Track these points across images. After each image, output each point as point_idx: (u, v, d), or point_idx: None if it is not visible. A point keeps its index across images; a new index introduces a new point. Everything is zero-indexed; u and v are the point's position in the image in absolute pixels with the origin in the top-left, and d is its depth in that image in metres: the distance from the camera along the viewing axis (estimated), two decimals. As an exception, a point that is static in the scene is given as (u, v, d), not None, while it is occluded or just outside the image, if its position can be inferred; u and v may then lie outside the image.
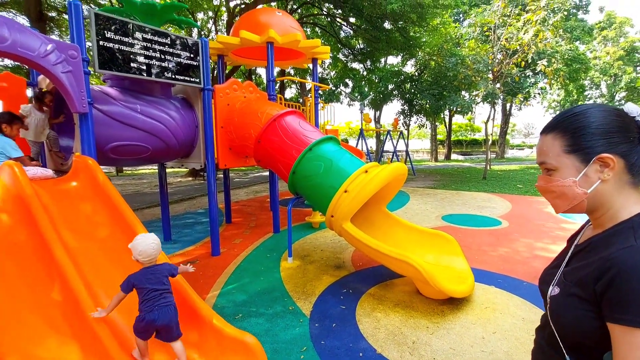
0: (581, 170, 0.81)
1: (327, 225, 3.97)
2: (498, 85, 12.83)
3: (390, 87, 20.04)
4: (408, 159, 16.77)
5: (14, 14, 13.89)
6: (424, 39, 16.29)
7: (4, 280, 2.16)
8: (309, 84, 21.31)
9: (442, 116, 27.41)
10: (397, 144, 15.61)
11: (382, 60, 23.25)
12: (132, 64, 3.79)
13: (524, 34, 11.51)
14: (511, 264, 4.40)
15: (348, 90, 22.65)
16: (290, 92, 24.22)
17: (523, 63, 12.35)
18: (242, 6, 15.33)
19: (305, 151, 4.05)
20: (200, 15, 18.04)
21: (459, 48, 16.20)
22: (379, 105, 23.02)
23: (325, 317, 3.17)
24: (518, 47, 11.82)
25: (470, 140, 45.33)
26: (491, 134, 14.01)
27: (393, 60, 29.64)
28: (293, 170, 4.10)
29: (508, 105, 26.10)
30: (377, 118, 25.36)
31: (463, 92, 16.88)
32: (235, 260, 4.70)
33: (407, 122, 20.83)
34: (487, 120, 14.39)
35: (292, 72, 18.62)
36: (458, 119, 42.89)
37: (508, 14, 12.25)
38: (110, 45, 3.59)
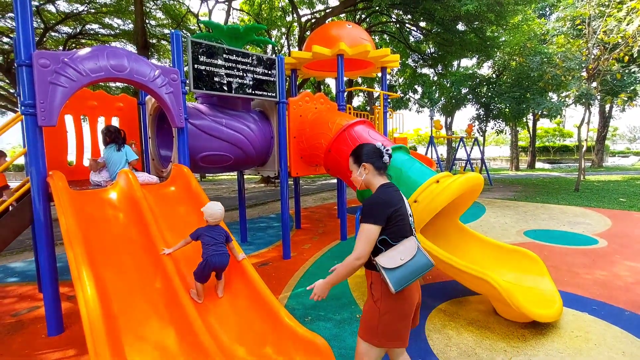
0: (356, 170, 1.88)
1: (396, 235, 3.92)
2: (594, 84, 11.28)
3: (463, 91, 18.93)
4: (484, 167, 15.60)
5: (124, 43, 16.45)
6: (503, 39, 15.10)
7: (122, 270, 2.59)
8: (377, 92, 21.18)
9: (525, 120, 24.93)
10: (471, 152, 14.65)
11: (455, 63, 22.14)
12: (219, 83, 4.26)
13: (627, 25, 9.99)
14: (610, 290, 3.84)
15: (417, 96, 22.00)
16: (357, 101, 24.39)
17: (626, 58, 10.71)
18: (313, 20, 16.00)
19: (374, 160, 4.08)
20: (274, 32, 19.28)
21: (544, 45, 14.67)
22: (451, 111, 21.87)
23: (393, 328, 3.13)
24: (620, 40, 10.29)
25: (559, 146, 40.21)
26: (585, 140, 12.29)
27: (467, 62, 28.01)
28: (362, 179, 4.15)
29: (607, 106, 22.69)
30: (449, 124, 24.10)
31: (550, 94, 15.17)
32: (305, 265, 4.90)
33: (483, 127, 19.35)
34: (581, 124, 12.72)
35: (359, 80, 18.75)
36: (544, 123, 38.56)
37: (606, 3, 10.76)
38: (202, 67, 4.09)
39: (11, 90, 15.63)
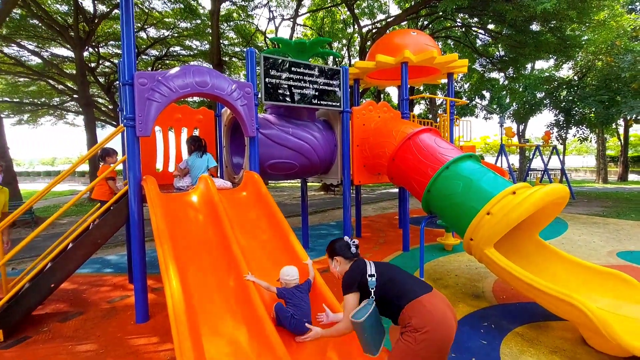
0: (331, 263, 2.18)
1: (465, 248, 3.71)
2: None
3: (539, 95, 17.28)
4: (564, 178, 14.01)
5: (201, 62, 18.14)
6: (586, 37, 13.55)
7: (201, 267, 2.83)
8: (440, 99, 20.40)
9: (614, 127, 21.93)
10: (548, 161, 13.27)
11: (528, 66, 20.40)
12: (287, 94, 4.48)
13: None
14: None
15: (485, 102, 20.65)
16: (418, 109, 23.68)
17: None
18: (374, 30, 16.03)
19: (441, 169, 3.93)
20: (335, 44, 19.71)
21: (637, 42, 12.84)
22: (524, 117, 20.07)
23: (462, 349, 2.94)
24: None
25: (660, 156, 34.57)
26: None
27: (542, 64, 25.64)
28: (428, 188, 4.01)
29: None
30: (522, 132, 22.17)
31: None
32: (365, 274, 4.83)
33: (563, 134, 17.41)
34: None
35: (421, 88, 18.23)
36: (639, 130, 33.53)
37: None
38: (273, 80, 4.34)
39: (110, 107, 18.12)
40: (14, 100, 18.42)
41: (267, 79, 4.29)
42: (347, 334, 2.00)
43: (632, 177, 26.60)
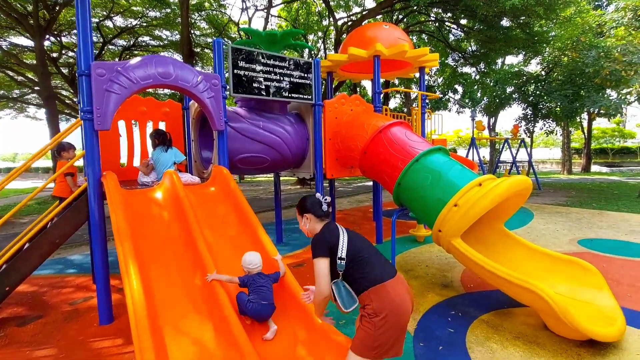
0: (301, 220, 2.11)
1: (434, 240, 3.78)
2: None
3: (508, 90, 17.86)
4: (531, 170, 14.62)
5: (172, 53, 17.49)
6: (553, 33, 14.08)
7: (165, 266, 2.73)
8: (414, 93, 20.68)
9: (579, 120, 23.03)
10: (517, 154, 13.79)
11: (499, 61, 21.01)
12: (257, 87, 4.37)
13: None
14: (685, 309, 3.40)
15: (457, 96, 21.13)
16: (394, 102, 23.95)
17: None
18: (349, 23, 15.98)
19: (411, 162, 3.97)
20: (310, 37, 19.52)
21: (601, 39, 13.47)
22: (495, 111, 20.71)
23: (430, 337, 3.01)
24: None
25: (619, 148, 36.71)
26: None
27: (512, 60, 26.50)
28: (398, 181, 4.05)
29: (679, 103, 20.30)
30: (492, 125, 22.90)
31: (608, 91, 13.88)
32: (339, 268, 4.85)
33: (531, 128, 18.10)
34: (646, 123, 11.50)
35: (396, 81, 18.41)
36: (601, 123, 35.45)
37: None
38: (242, 72, 4.22)
39: (74, 99, 17.20)
40: (-32, 92, 17.15)
41: (235, 71, 4.16)
42: (322, 301, 1.90)
43: (594, 168, 28.16)
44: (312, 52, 18.83)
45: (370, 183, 18.11)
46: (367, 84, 21.58)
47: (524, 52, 16.53)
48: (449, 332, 3.09)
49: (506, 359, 2.68)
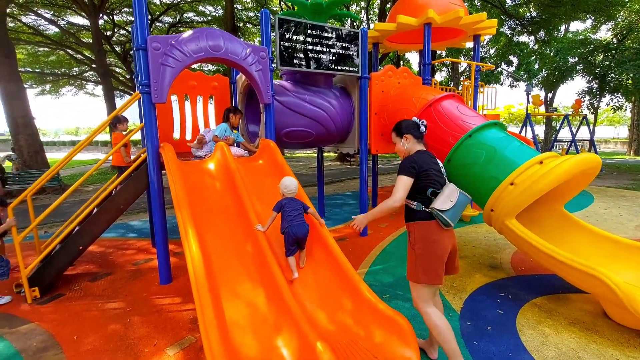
0: (400, 141, 2.32)
1: (485, 220, 3.62)
2: None
3: (571, 60, 16.11)
4: (593, 150, 13.35)
5: (216, 28, 17.71)
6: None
7: (219, 233, 2.88)
8: (464, 64, 19.36)
9: (654, 95, 20.38)
10: (577, 132, 12.60)
11: (562, 28, 18.92)
12: (304, 59, 4.31)
13: None
14: None
15: (511, 68, 19.49)
16: (439, 76, 22.68)
17: None
18: (395, -9, 15.06)
19: (463, 138, 3.77)
20: (353, 7, 18.75)
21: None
22: (554, 85, 18.91)
23: (478, 317, 2.95)
24: None
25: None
26: None
27: (577, 26, 23.72)
28: (448, 158, 3.87)
29: None
30: (550, 100, 21.02)
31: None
32: (381, 243, 4.86)
33: (596, 103, 16.34)
34: None
35: (443, 53, 17.30)
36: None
37: None
38: (289, 44, 4.17)
39: (127, 76, 18.18)
40: (36, 70, 18.72)
41: (282, 43, 4.12)
42: (392, 211, 2.14)
43: (667, 149, 25.05)
44: (355, 24, 18.15)
45: (411, 161, 17.50)
46: (410, 57, 20.51)
47: (593, 18, 14.73)
48: (498, 313, 3.00)
49: (560, 344, 2.56)
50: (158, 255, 3.64)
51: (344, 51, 4.64)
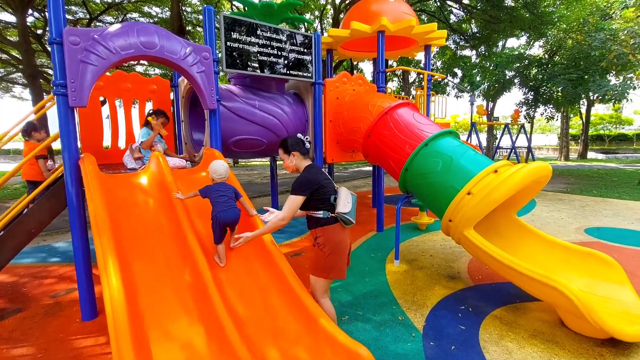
0: (288, 158, 2.42)
1: (443, 230, 3.53)
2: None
3: (509, 74, 17.43)
4: (530, 156, 14.43)
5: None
6: (559, 14, 13.63)
7: (151, 260, 2.44)
8: (413, 74, 20.17)
9: (577, 106, 22.74)
10: (516, 139, 13.53)
11: (500, 44, 20.48)
12: (252, 62, 3.99)
13: None
14: None
15: (456, 80, 20.66)
16: (392, 85, 23.42)
17: None
18: (347, 2, 15.31)
19: (420, 146, 3.68)
20: (306, 16, 18.76)
21: (608, 20, 13.06)
22: (494, 96, 20.32)
23: (441, 335, 2.79)
24: None
25: (615, 135, 36.67)
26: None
27: (513, 43, 25.94)
28: (405, 167, 3.76)
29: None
30: (491, 110, 22.58)
31: (609, 76, 13.52)
32: (339, 257, 4.62)
33: (531, 113, 17.79)
34: (650, 109, 11.26)
35: (394, 64, 17.88)
36: (599, 110, 35.24)
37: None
38: (235, 45, 3.83)
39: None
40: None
41: (228, 43, 3.77)
42: (279, 224, 2.27)
43: (590, 154, 28.11)
44: (309, 31, 18.15)
45: (368, 168, 17.84)
46: (364, 66, 20.97)
47: (527, 35, 16.06)
48: (460, 329, 2.87)
49: (524, 360, 2.47)
50: (79, 285, 3.07)
51: (296, 55, 4.40)
